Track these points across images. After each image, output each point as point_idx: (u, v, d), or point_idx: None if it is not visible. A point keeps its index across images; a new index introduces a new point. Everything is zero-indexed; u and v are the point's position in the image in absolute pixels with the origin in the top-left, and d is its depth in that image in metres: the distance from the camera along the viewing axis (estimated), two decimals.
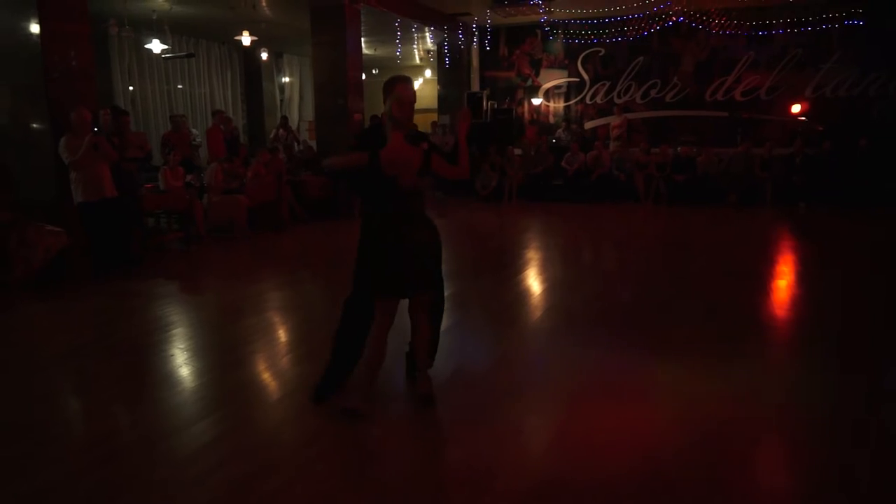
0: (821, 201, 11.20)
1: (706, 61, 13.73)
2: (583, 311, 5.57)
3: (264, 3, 10.80)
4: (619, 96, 14.40)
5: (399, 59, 15.62)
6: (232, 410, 3.62)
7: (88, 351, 4.75)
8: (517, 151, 13.63)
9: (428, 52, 15.58)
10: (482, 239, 9.95)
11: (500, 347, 4.76)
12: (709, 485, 2.85)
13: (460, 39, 14.58)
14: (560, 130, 14.54)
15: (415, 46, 15.02)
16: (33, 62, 6.65)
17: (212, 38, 14.42)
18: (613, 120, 14.00)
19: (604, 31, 14.07)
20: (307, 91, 17.26)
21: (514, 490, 2.83)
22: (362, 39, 12.04)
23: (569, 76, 14.89)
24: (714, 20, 13.16)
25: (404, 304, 3.65)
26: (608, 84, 14.49)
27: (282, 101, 17.01)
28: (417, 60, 16.55)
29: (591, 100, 14.76)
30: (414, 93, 3.46)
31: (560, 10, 13.51)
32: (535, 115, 15.32)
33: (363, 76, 12.22)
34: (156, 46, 11.74)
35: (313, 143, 13.35)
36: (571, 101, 14.95)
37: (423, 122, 16.32)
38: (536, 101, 15.17)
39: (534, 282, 6.81)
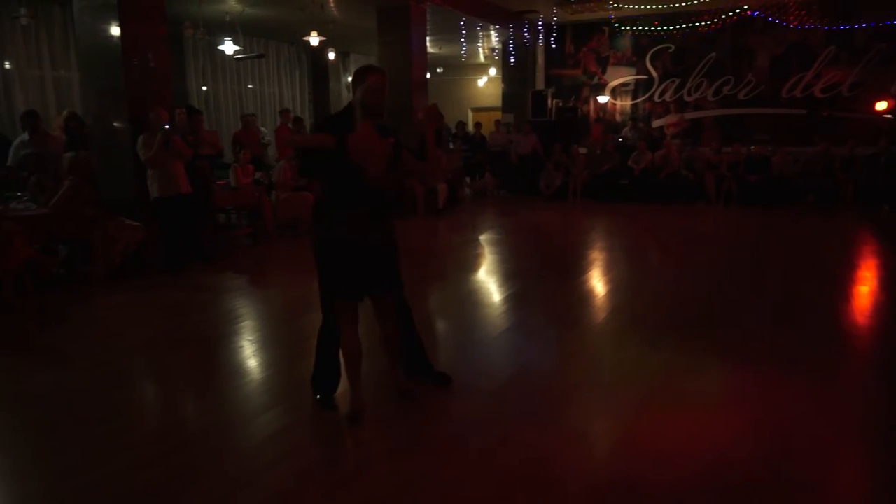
0: None
1: (783, 56, 13.20)
2: (649, 314, 5.42)
3: (332, 4, 10.98)
4: (689, 93, 14.01)
5: (464, 58, 15.63)
6: (297, 403, 3.68)
7: (162, 342, 4.92)
8: (582, 150, 13.43)
9: (493, 50, 15.53)
10: (545, 238, 9.84)
11: (563, 348, 4.69)
12: (780, 497, 2.72)
13: (525, 37, 14.47)
14: (626, 129, 14.25)
15: (479, 45, 14.99)
16: (115, 64, 6.95)
17: (281, 38, 14.77)
18: (670, 118, 13.63)
19: (674, 27, 13.70)
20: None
21: (577, 491, 2.79)
22: (427, 38, 12.09)
23: (637, 73, 14.58)
24: (792, 13, 12.61)
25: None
26: (678, 81, 14.11)
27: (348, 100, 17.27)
28: (482, 59, 16.53)
29: (659, 97, 14.41)
30: (386, 84, 3.35)
31: (629, 6, 13.23)
32: (600, 114, 15.07)
33: (427, 75, 12.27)
34: (228, 48, 12.09)
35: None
36: (639, 99, 14.64)
37: (487, 121, 16.31)
38: (603, 99, 14.92)
39: (598, 283, 6.69)
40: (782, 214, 10.67)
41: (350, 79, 18.09)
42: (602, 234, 9.85)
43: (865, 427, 3.37)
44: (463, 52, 14.52)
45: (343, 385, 3.66)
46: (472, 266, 7.71)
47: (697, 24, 13.29)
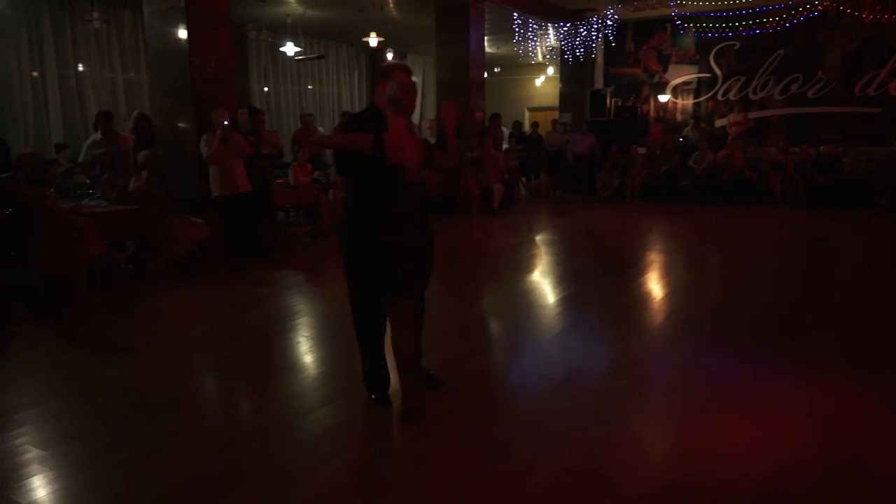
0: None
1: (856, 53, 12.65)
2: (708, 319, 5.28)
3: (391, 5, 11.08)
4: (755, 92, 13.59)
5: (521, 57, 15.54)
6: (352, 398, 3.72)
7: (222, 336, 5.06)
8: (641, 150, 13.17)
9: (551, 49, 15.39)
10: (602, 240, 9.70)
11: (619, 351, 4.61)
12: None
13: (584, 35, 14.28)
14: (688, 128, 13.91)
15: (537, 43, 14.88)
16: (182, 65, 7.18)
17: (341, 40, 15.00)
18: (733, 117, 13.23)
19: (740, 24, 13.27)
20: (429, 89, 17.56)
21: (632, 494, 2.74)
22: (485, 38, 12.08)
23: (699, 71, 14.22)
24: (865, 8, 12.06)
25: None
26: (743, 79, 13.69)
27: None
28: (540, 58, 16.39)
29: (723, 96, 14.02)
30: (411, 79, 3.31)
31: (692, 3, 12.90)
32: (661, 113, 14.75)
33: (485, 74, 12.25)
34: (289, 49, 12.35)
35: (433, 141, 13.54)
36: (701, 98, 14.28)
37: (544, 121, 16.19)
38: (663, 98, 14.60)
39: (655, 285, 6.55)
40: (852, 217, 10.23)
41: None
42: (660, 236, 9.64)
43: None
44: (520, 51, 14.43)
45: (395, 382, 3.69)
46: (527, 266, 7.66)
47: (765, 20, 12.86)
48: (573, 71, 15.11)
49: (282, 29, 12.34)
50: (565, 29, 13.96)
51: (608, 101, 14.20)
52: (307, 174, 9.02)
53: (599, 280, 6.78)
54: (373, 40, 12.59)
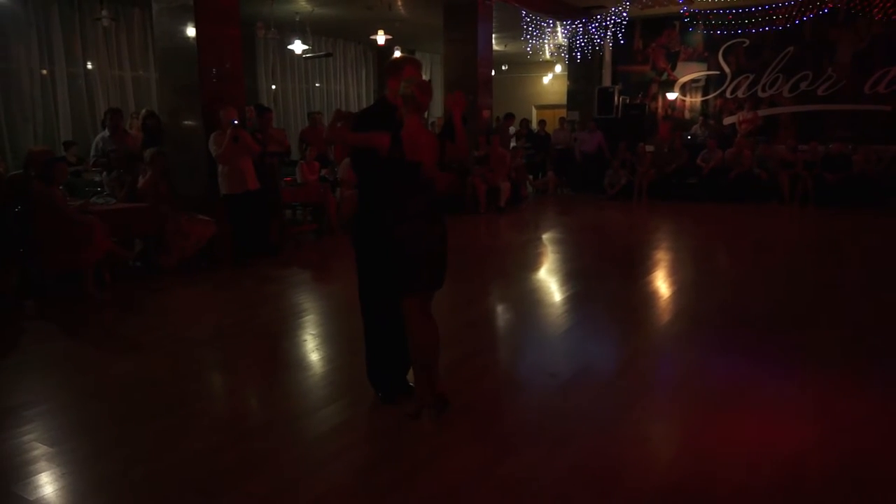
0: None
1: (866, 51, 12.55)
2: (715, 318, 5.25)
3: (400, 3, 11.07)
4: (763, 90, 13.50)
5: (529, 55, 15.51)
6: (359, 396, 3.72)
7: (229, 333, 5.07)
8: (649, 148, 13.12)
9: (559, 46, 15.34)
10: (609, 238, 9.67)
11: (626, 350, 4.59)
12: None
13: (592, 33, 14.23)
14: (696, 126, 13.85)
15: (546, 41, 14.85)
16: (191, 64, 7.20)
17: (348, 37, 15.01)
18: (742, 114, 13.15)
19: (749, 21, 13.18)
20: (437, 87, 17.54)
21: (639, 493, 2.73)
22: (493, 36, 12.05)
23: (708, 69, 14.14)
24: (877, 6, 11.96)
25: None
26: (752, 77, 13.61)
27: None
28: (548, 56, 16.35)
29: (731, 94, 13.94)
30: (420, 74, 3.28)
31: (701, 0, 12.84)
32: (669, 111, 14.68)
33: (492, 72, 12.23)
34: (297, 47, 12.36)
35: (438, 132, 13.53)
36: (710, 96, 14.20)
37: (551, 118, 16.15)
38: (672, 96, 14.53)
39: (662, 284, 6.53)
40: (863, 216, 10.16)
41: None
42: (667, 235, 9.61)
43: None
44: (529, 49, 14.40)
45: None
46: (534, 264, 7.64)
47: (774, 17, 12.77)
48: (581, 69, 15.06)
49: (290, 27, 12.36)
50: (573, 26, 13.91)
51: (616, 98, 14.15)
52: (314, 172, 9.03)
53: (606, 278, 6.77)
54: (381, 38, 12.59)
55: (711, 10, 13.48)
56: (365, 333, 3.65)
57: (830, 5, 12.22)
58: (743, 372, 4.07)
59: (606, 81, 15.04)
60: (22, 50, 9.80)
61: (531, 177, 14.08)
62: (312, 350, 4.70)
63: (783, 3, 12.60)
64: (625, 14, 13.61)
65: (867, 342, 4.58)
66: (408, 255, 3.23)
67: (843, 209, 10.64)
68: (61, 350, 4.78)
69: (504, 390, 3.92)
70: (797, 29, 12.82)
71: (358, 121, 3.44)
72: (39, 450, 3.16)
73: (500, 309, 5.91)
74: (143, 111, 8.89)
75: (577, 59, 14.52)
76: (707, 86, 14.23)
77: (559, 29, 14.13)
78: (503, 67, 19.11)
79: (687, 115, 14.50)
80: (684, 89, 14.51)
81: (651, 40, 14.67)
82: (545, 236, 9.42)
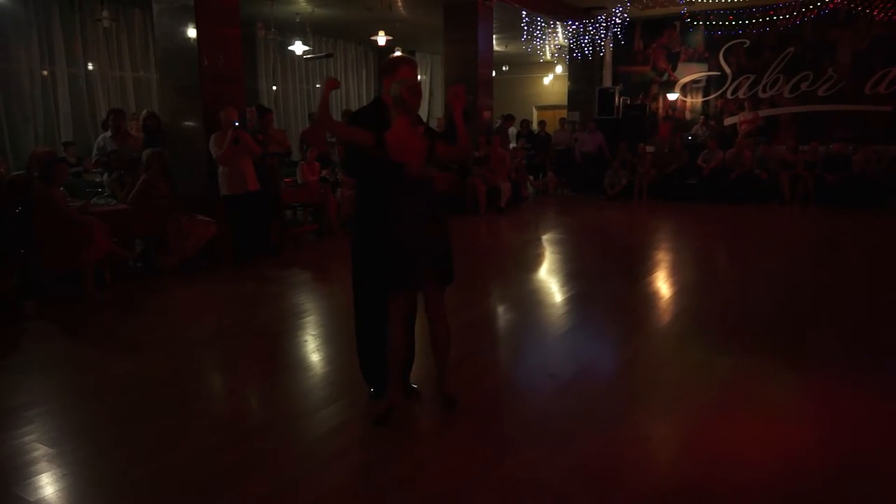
0: None
1: (867, 51, 12.55)
2: (716, 318, 5.25)
3: (400, 3, 11.07)
4: (764, 90, 13.49)
5: (529, 56, 15.51)
6: (359, 396, 3.72)
7: (230, 334, 5.08)
8: (649, 149, 13.13)
9: (559, 47, 15.35)
10: (609, 239, 9.67)
11: (626, 350, 4.59)
12: None
13: (593, 33, 14.23)
14: (697, 127, 13.85)
15: (546, 42, 14.85)
16: (191, 64, 7.21)
17: (349, 38, 15.02)
18: (743, 115, 13.15)
19: (750, 21, 13.17)
20: (437, 88, 17.56)
21: (639, 493, 2.73)
22: (493, 36, 12.06)
23: (709, 70, 14.13)
24: (877, 6, 11.95)
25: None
26: (752, 77, 13.60)
27: None
28: (548, 56, 16.35)
29: (732, 94, 13.93)
30: (416, 74, 3.26)
31: (701, 0, 12.83)
32: (669, 111, 14.68)
33: (493, 73, 12.23)
34: (298, 48, 12.37)
35: (441, 131, 13.54)
36: (711, 96, 14.20)
37: (552, 119, 16.15)
38: (672, 97, 14.53)
39: (663, 285, 6.53)
40: (863, 216, 10.16)
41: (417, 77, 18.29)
42: (668, 235, 9.61)
43: None
44: (529, 49, 14.40)
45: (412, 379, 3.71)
46: (534, 265, 7.64)
47: (775, 17, 12.77)
48: (581, 69, 15.06)
49: (290, 27, 12.36)
50: (574, 27, 13.91)
51: (616, 99, 14.15)
52: (315, 173, 9.03)
53: (607, 279, 6.76)
54: (381, 39, 12.60)
55: (711, 11, 13.48)
56: (356, 328, 3.67)
57: (831, 6, 12.22)
58: (743, 372, 4.07)
59: (607, 82, 15.04)
60: (22, 50, 9.81)
61: (531, 177, 14.08)
62: (313, 350, 4.70)
63: (784, 4, 12.60)
64: (625, 15, 13.61)
65: (867, 342, 4.58)
66: (386, 253, 3.27)
67: (844, 209, 10.64)
68: (61, 350, 4.78)
69: (504, 391, 3.92)
70: (798, 29, 12.81)
71: (351, 119, 3.48)
72: (40, 450, 3.16)
73: (500, 309, 5.91)
74: (144, 112, 8.89)
75: (578, 59, 14.52)
76: (708, 86, 14.22)
77: (559, 29, 14.13)
78: (504, 68, 19.11)
79: (687, 115, 14.50)
80: (685, 90, 14.51)
81: (651, 41, 14.67)
82: (545, 237, 9.42)
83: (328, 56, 13.88)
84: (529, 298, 6.08)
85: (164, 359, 4.47)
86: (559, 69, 18.60)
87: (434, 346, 3.50)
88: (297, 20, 11.95)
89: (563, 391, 3.80)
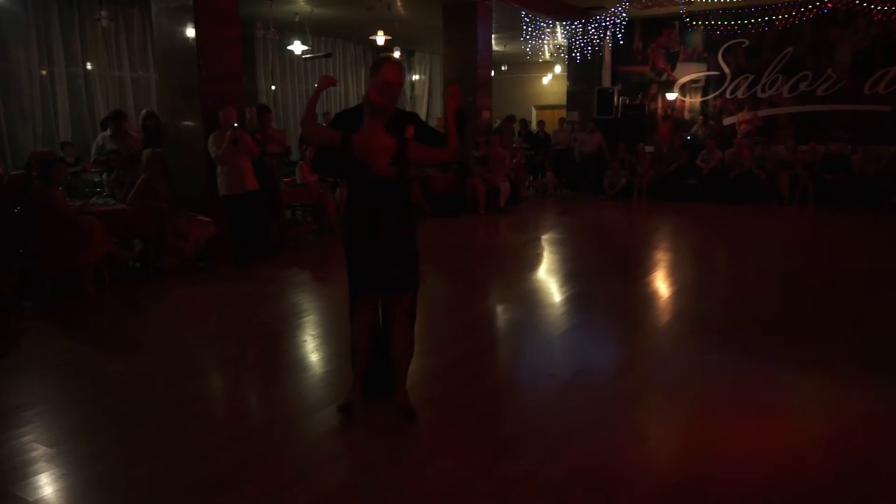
0: None
1: (866, 51, 12.55)
2: (715, 318, 5.25)
3: (399, 3, 11.06)
4: (763, 90, 13.49)
5: (528, 56, 15.50)
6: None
7: (229, 334, 5.07)
8: (648, 149, 13.13)
9: (558, 47, 15.35)
10: (609, 239, 9.67)
11: (625, 350, 4.59)
12: None
13: (592, 33, 14.23)
14: (696, 126, 13.85)
15: (545, 42, 14.85)
16: (190, 64, 7.19)
17: (348, 38, 15.00)
18: (742, 115, 13.16)
19: (749, 21, 13.16)
20: (436, 88, 17.56)
21: (639, 493, 2.73)
22: (492, 36, 12.05)
23: (708, 69, 14.13)
24: (876, 6, 11.95)
25: None
26: (751, 77, 13.60)
27: (412, 98, 17.38)
28: (547, 56, 16.35)
29: (731, 94, 13.93)
30: (398, 76, 3.25)
31: (701, 0, 12.83)
32: (668, 111, 14.68)
33: (492, 73, 12.23)
34: (297, 48, 12.35)
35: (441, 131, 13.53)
36: (710, 96, 14.19)
37: (551, 119, 16.15)
38: (671, 97, 14.53)
39: (662, 284, 6.53)
40: (862, 216, 10.17)
41: (415, 77, 18.21)
42: (667, 235, 9.61)
43: None
44: (528, 49, 14.39)
45: (407, 378, 3.70)
46: (533, 265, 7.64)
47: (774, 17, 12.77)
48: (581, 69, 15.05)
49: (289, 27, 12.35)
50: (573, 27, 13.91)
51: (616, 99, 14.15)
52: (314, 173, 9.02)
53: (606, 279, 6.76)
54: (380, 39, 12.59)
55: (710, 11, 13.48)
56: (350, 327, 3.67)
57: (830, 5, 12.22)
58: (742, 372, 4.07)
59: (606, 82, 15.03)
60: (21, 50, 9.79)
61: (531, 177, 14.08)
62: (312, 350, 4.69)
63: (783, 4, 12.60)
64: (624, 14, 13.61)
65: (867, 342, 4.58)
66: (346, 252, 3.32)
67: (843, 209, 10.64)
68: (60, 350, 4.77)
69: (504, 391, 3.92)
70: (797, 29, 12.81)
71: (334, 119, 3.48)
72: (39, 450, 3.15)
73: (499, 309, 5.90)
74: (143, 112, 8.88)
75: (577, 59, 14.51)
76: (707, 86, 14.22)
77: (559, 29, 14.13)
78: (503, 68, 19.11)
79: (686, 115, 14.49)
80: (684, 90, 14.50)
81: (651, 41, 14.66)
82: (545, 236, 9.42)
83: (327, 56, 13.87)
84: (529, 298, 6.08)
85: (163, 359, 4.47)
86: (558, 69, 18.60)
87: (390, 353, 3.41)
88: (296, 20, 11.93)
89: (563, 391, 3.80)
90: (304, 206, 9.41)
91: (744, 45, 13.60)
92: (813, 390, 3.79)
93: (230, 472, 2.96)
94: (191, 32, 7.13)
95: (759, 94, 13.50)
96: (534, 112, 19.91)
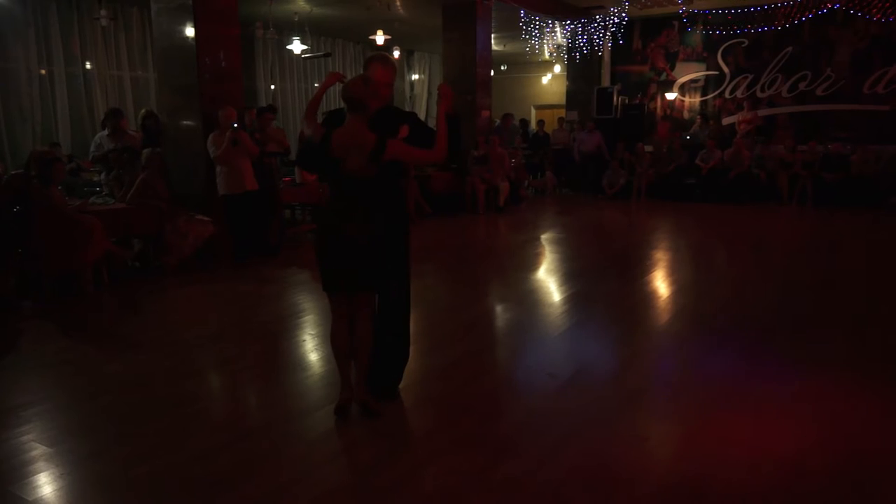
0: None
1: (865, 51, 12.55)
2: (714, 317, 5.25)
3: (399, 3, 11.06)
4: (762, 90, 13.49)
5: (528, 55, 15.50)
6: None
7: (228, 333, 5.07)
8: (648, 148, 13.13)
9: (558, 47, 15.35)
10: (608, 238, 9.68)
11: (624, 350, 4.59)
12: None
13: (591, 33, 14.23)
14: (695, 126, 13.85)
15: (545, 42, 14.85)
16: (189, 63, 7.19)
17: (347, 37, 14.99)
18: (741, 115, 13.16)
19: (748, 21, 13.17)
20: (436, 88, 17.52)
21: (639, 493, 2.73)
22: (492, 35, 12.05)
23: (707, 69, 14.13)
24: (875, 6, 11.96)
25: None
26: (751, 77, 13.60)
27: (411, 97, 17.37)
28: (547, 56, 16.35)
29: (730, 94, 13.93)
30: (384, 74, 3.28)
31: (700, 0, 12.84)
32: (668, 111, 14.68)
33: (491, 73, 12.22)
34: (296, 47, 12.34)
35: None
36: (709, 96, 14.20)
37: (550, 118, 16.14)
38: (671, 96, 14.53)
39: (662, 284, 6.53)
40: (861, 216, 10.17)
41: (415, 76, 18.18)
42: (667, 235, 9.61)
43: None
44: (528, 49, 14.39)
45: (406, 378, 3.70)
46: (532, 265, 7.64)
47: (773, 17, 12.77)
48: (580, 69, 15.05)
49: (288, 27, 12.34)
50: (572, 27, 13.91)
51: (615, 98, 14.15)
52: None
53: (605, 278, 6.77)
54: (380, 38, 12.57)
55: (710, 11, 13.48)
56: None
57: (829, 5, 12.22)
58: (742, 372, 4.07)
59: (605, 81, 15.03)
60: (20, 49, 9.78)
61: (530, 177, 14.08)
62: (311, 350, 4.69)
63: (782, 4, 12.60)
64: (624, 14, 13.61)
65: (867, 342, 4.58)
66: (316, 249, 3.35)
67: (842, 209, 10.65)
68: (59, 350, 4.77)
69: (503, 390, 3.91)
70: (796, 29, 12.81)
71: (327, 117, 3.51)
72: (38, 450, 3.15)
73: (499, 309, 5.90)
74: (143, 111, 8.87)
75: (577, 59, 14.52)
76: (706, 86, 14.22)
77: (558, 29, 14.12)
78: (502, 67, 19.10)
79: (686, 115, 14.50)
80: (683, 89, 14.51)
81: (650, 40, 14.66)
82: (544, 236, 9.42)
83: (327, 55, 13.86)
84: (528, 298, 6.08)
85: (162, 358, 4.46)
86: (557, 69, 18.59)
87: (351, 350, 3.42)
88: (296, 19, 11.92)
89: (563, 391, 3.80)
90: (304, 206, 9.40)
91: (743, 45, 13.60)
92: (813, 390, 3.79)
93: (229, 471, 2.95)
94: (190, 32, 7.13)
95: (759, 94, 13.50)
96: (533, 112, 19.91)
